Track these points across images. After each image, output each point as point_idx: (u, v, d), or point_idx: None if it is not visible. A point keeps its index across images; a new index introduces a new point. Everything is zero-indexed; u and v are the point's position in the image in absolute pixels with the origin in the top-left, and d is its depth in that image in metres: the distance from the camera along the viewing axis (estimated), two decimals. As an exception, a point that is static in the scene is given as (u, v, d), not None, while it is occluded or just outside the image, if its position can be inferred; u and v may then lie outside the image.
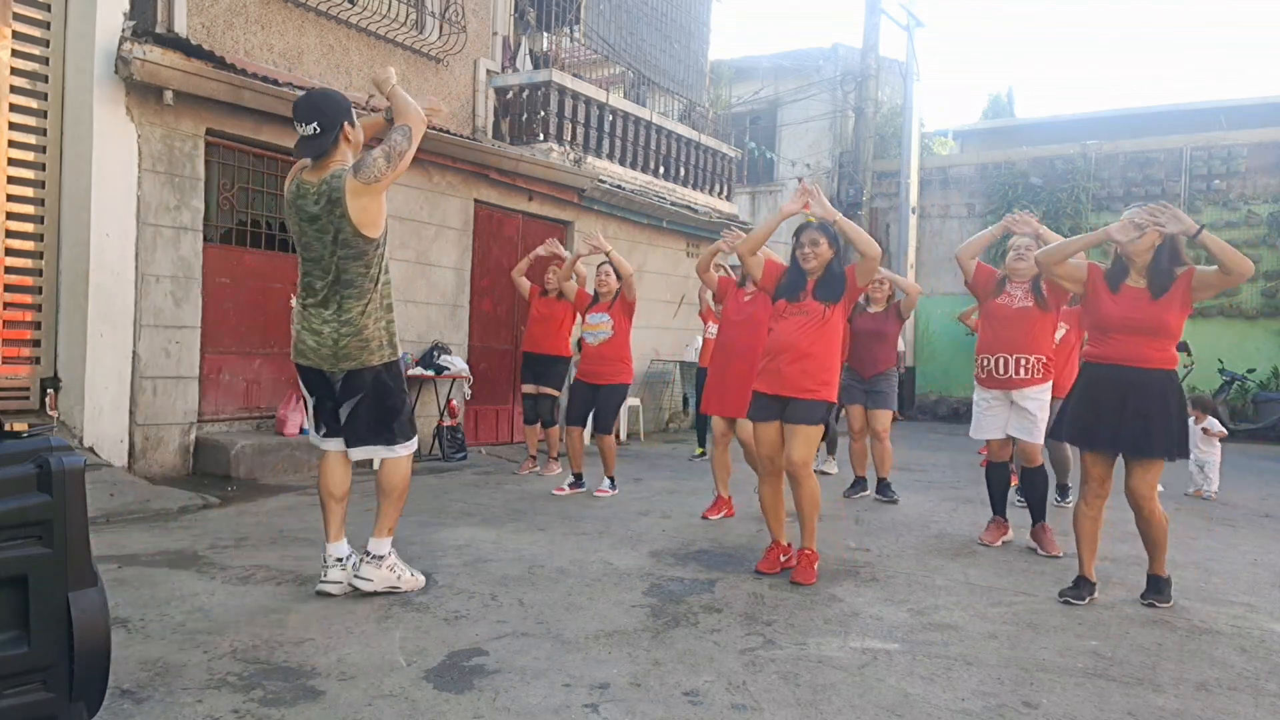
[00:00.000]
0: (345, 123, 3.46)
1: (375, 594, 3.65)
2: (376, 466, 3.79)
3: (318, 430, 3.70)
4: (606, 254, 6.30)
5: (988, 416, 5.08)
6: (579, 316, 6.85)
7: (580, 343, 6.64)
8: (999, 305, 5.03)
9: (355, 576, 3.57)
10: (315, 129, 3.39)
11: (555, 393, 7.22)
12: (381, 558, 3.63)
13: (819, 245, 4.24)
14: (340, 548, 3.66)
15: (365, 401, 3.52)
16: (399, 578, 3.67)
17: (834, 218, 4.27)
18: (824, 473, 7.66)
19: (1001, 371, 4.97)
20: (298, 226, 3.47)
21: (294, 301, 3.62)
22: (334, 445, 3.68)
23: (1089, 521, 4.04)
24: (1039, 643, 3.37)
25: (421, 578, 3.79)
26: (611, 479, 6.49)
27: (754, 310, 5.33)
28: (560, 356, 7.23)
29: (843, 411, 7.06)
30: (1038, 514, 5.03)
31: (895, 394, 6.71)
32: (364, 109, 7.42)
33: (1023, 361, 4.91)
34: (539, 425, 7.33)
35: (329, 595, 3.58)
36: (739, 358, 5.25)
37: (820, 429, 4.19)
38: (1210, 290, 3.87)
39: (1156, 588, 4.02)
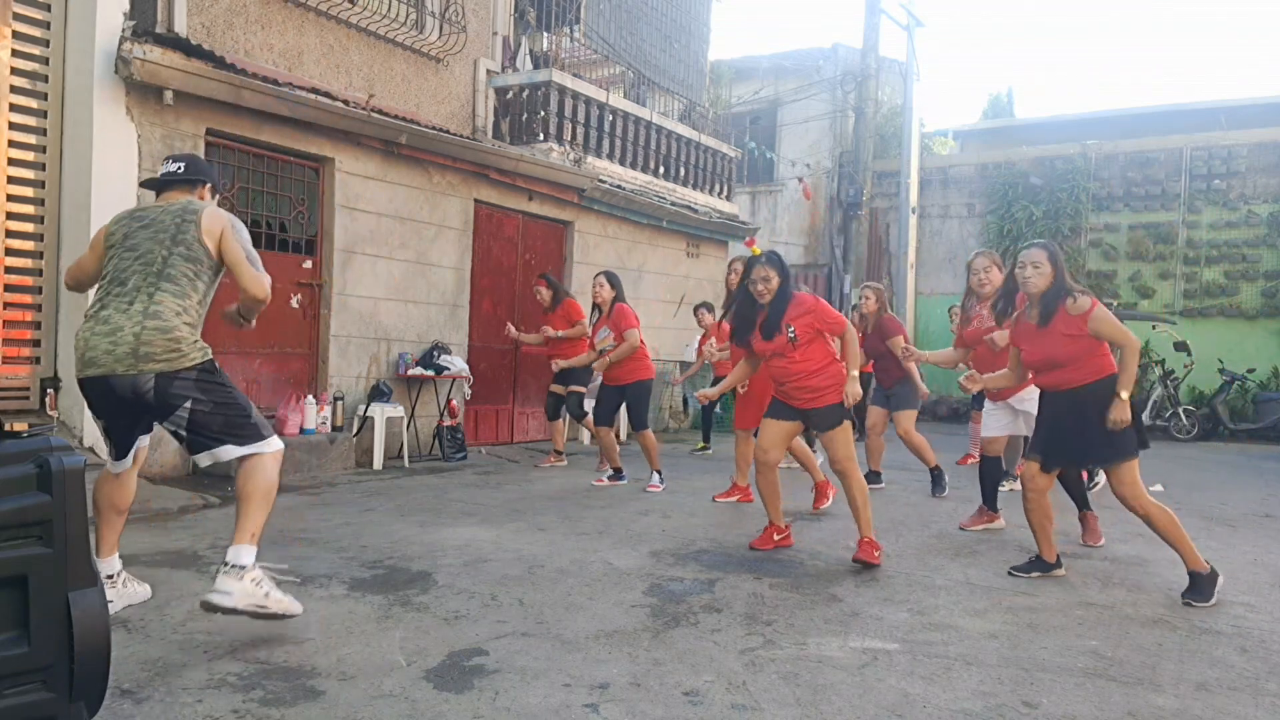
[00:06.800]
0: (209, 184, 3.56)
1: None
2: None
3: (118, 456, 3.37)
4: (600, 357, 6.78)
5: (992, 418, 5.61)
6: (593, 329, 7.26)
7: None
8: (972, 333, 5.53)
9: (211, 590, 2.98)
10: (180, 168, 3.46)
11: (583, 389, 7.67)
12: (244, 568, 3.01)
13: (770, 281, 4.54)
14: (112, 563, 3.32)
15: (200, 405, 3.13)
16: (266, 595, 3.04)
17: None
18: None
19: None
20: (126, 230, 3.32)
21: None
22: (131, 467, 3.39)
23: (1033, 515, 4.34)
24: (1039, 643, 3.37)
25: (298, 605, 3.16)
26: (658, 472, 6.77)
27: None
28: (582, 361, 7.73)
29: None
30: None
31: (915, 396, 7.01)
32: (364, 107, 7.48)
33: None
34: (562, 421, 7.91)
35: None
36: (755, 377, 5.46)
37: (848, 424, 4.57)
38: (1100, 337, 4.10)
39: (1196, 585, 3.98)
